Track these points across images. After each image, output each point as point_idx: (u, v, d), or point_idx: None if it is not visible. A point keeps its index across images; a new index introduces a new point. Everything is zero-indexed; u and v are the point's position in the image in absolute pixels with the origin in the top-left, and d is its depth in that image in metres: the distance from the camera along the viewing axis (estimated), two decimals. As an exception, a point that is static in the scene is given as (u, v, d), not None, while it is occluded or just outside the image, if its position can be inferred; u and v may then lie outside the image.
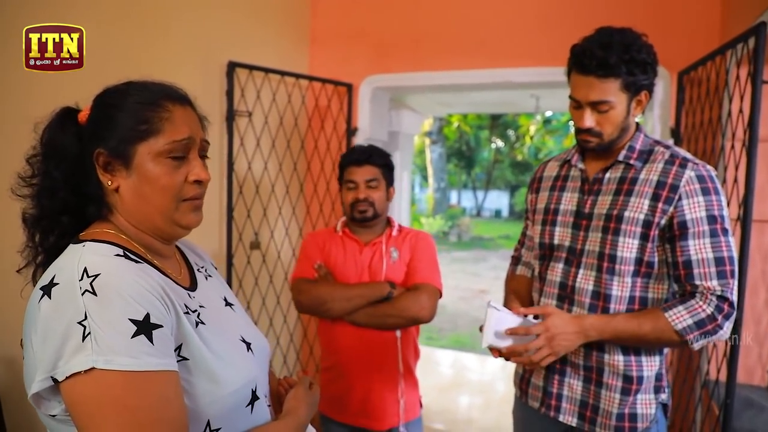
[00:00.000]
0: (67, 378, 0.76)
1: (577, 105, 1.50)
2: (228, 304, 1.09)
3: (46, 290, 0.81)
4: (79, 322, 0.76)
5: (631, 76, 1.42)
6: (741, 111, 1.97)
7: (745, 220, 1.84)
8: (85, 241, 0.88)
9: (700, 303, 1.39)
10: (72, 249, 0.88)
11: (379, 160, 2.08)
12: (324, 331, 2.09)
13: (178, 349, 0.86)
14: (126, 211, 0.94)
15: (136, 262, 0.88)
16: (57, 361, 0.76)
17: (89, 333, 0.76)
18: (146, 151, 0.91)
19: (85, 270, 0.80)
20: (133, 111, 0.92)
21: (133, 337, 0.77)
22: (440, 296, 2.01)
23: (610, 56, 1.40)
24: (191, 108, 0.99)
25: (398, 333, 1.99)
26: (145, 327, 0.79)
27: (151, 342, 0.79)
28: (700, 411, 2.33)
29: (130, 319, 0.78)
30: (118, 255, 0.86)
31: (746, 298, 1.93)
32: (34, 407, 0.83)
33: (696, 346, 1.41)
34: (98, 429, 0.76)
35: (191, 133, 0.95)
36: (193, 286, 1.03)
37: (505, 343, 1.48)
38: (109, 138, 0.91)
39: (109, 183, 0.93)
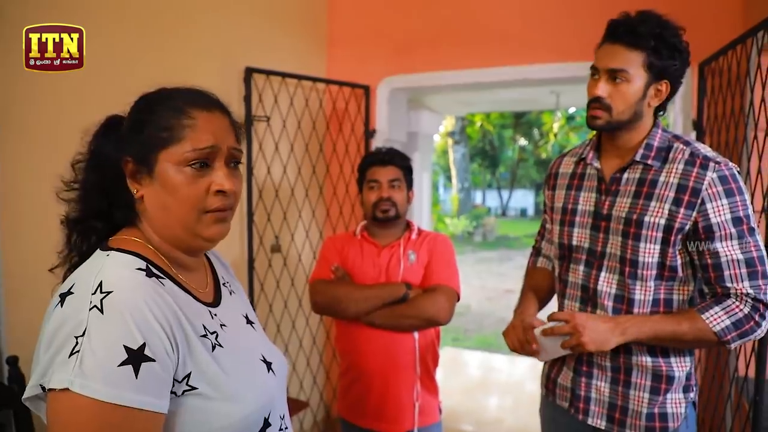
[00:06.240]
0: (49, 390, 0.76)
1: (594, 74, 1.48)
2: (249, 322, 1.08)
3: (63, 298, 0.80)
4: (76, 337, 0.75)
5: (657, 55, 1.40)
6: (763, 100, 1.92)
7: (770, 212, 1.80)
8: (111, 249, 0.88)
9: (737, 303, 1.36)
10: (97, 256, 0.87)
11: (401, 161, 2.10)
12: (341, 333, 2.09)
13: (187, 378, 0.83)
14: (150, 220, 0.93)
15: (158, 277, 0.87)
16: (47, 369, 0.76)
17: (77, 351, 0.74)
18: (167, 158, 0.88)
19: (100, 285, 0.79)
20: (158, 118, 0.90)
21: (120, 365, 0.74)
22: (458, 299, 1.99)
23: (641, 27, 1.39)
24: (222, 114, 0.95)
25: (416, 335, 1.98)
26: (136, 358, 0.76)
27: (136, 376, 0.75)
28: (729, 408, 2.27)
29: (124, 346, 0.75)
30: (140, 269, 0.85)
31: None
32: (33, 410, 0.83)
33: (733, 346, 1.38)
34: None
35: (216, 141, 0.91)
36: (216, 302, 1.01)
37: (552, 347, 1.49)
38: (135, 145, 0.90)
39: (135, 191, 0.91)
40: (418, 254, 2.03)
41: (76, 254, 0.94)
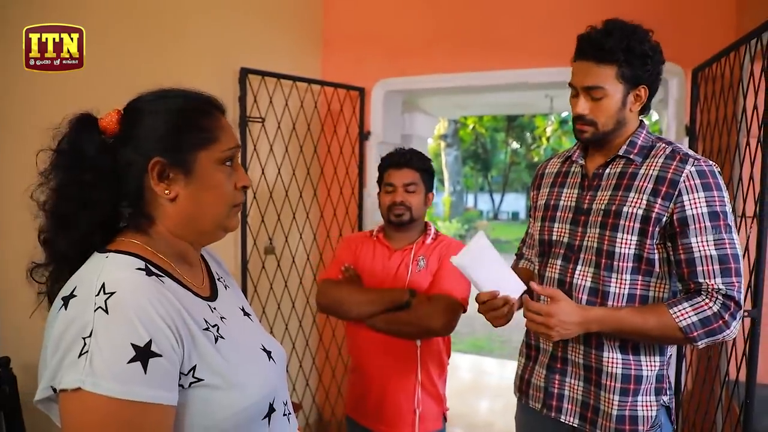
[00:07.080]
0: (61, 391, 0.77)
1: (574, 92, 1.50)
2: (246, 313, 1.10)
3: (65, 301, 0.81)
4: (84, 338, 0.76)
5: (629, 65, 1.41)
6: (755, 107, 1.95)
7: (761, 218, 1.82)
8: (109, 251, 0.88)
9: (706, 300, 1.35)
10: (95, 258, 0.88)
11: (419, 163, 2.05)
12: (350, 331, 2.09)
13: (193, 370, 0.85)
14: (173, 218, 0.94)
15: (158, 275, 0.87)
16: (57, 371, 0.78)
17: (86, 351, 0.75)
18: (207, 158, 0.93)
19: (103, 286, 0.80)
20: (189, 119, 0.93)
21: (129, 362, 0.76)
22: (464, 310, 1.95)
23: (607, 42, 1.40)
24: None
25: (418, 342, 1.95)
26: (143, 354, 0.77)
27: (145, 371, 0.77)
28: (720, 412, 2.29)
29: (131, 344, 0.77)
30: (139, 269, 0.86)
31: (765, 296, 1.89)
32: (45, 412, 0.85)
33: (701, 344, 1.37)
34: None
35: (237, 140, 0.99)
36: (213, 296, 1.03)
37: (478, 275, 1.48)
38: (166, 146, 0.91)
39: (167, 192, 0.92)
40: (429, 260, 2.00)
41: (67, 268, 0.90)
